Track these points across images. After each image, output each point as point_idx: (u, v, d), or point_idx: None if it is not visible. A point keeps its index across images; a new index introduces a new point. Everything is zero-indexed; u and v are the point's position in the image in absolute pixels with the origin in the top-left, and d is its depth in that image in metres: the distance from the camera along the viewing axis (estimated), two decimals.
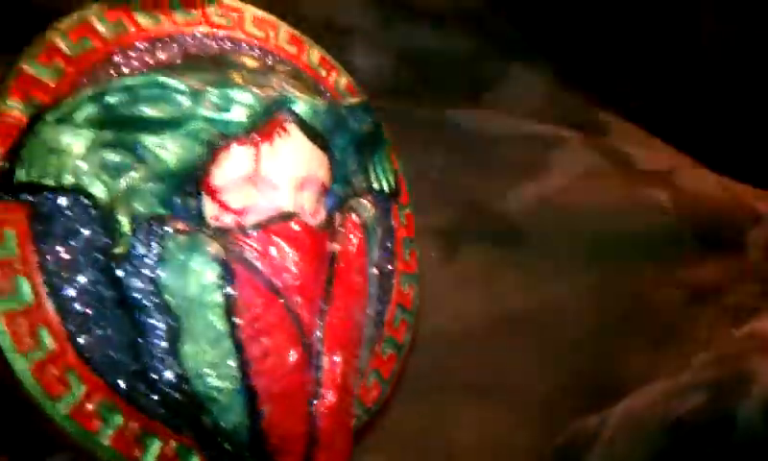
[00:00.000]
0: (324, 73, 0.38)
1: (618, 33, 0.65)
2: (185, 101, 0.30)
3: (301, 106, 0.32)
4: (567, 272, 0.51)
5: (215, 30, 0.35)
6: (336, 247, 0.34)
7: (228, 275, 0.30)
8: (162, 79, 0.30)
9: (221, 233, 0.30)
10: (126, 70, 0.31)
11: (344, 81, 0.38)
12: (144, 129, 0.29)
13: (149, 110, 0.29)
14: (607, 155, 0.55)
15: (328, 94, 0.37)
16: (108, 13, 0.32)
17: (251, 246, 0.31)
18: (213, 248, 0.30)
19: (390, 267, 0.37)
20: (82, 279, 0.29)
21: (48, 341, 0.28)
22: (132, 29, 0.32)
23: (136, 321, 0.29)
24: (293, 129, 0.32)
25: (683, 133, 0.59)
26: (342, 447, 0.32)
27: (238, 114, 0.31)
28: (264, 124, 0.31)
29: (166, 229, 0.29)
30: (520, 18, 0.65)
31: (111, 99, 0.29)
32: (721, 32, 0.66)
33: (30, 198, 0.28)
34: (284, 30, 0.37)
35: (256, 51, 0.36)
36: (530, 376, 0.47)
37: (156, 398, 0.29)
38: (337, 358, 0.32)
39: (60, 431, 0.28)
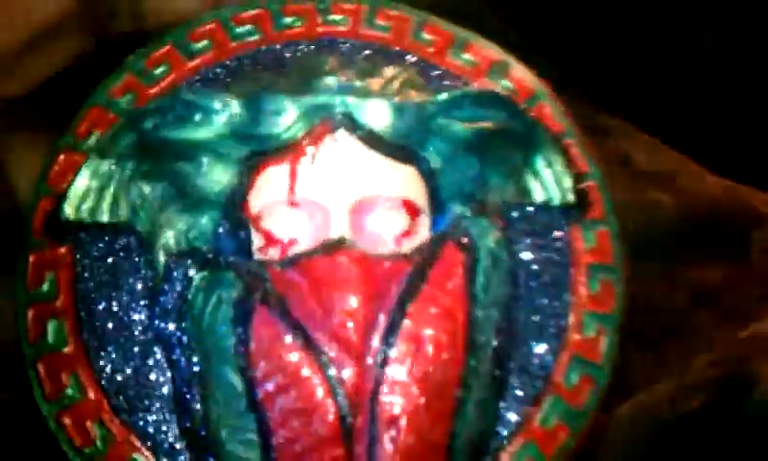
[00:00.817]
0: (464, 63, 0.31)
1: (619, 36, 0.66)
2: (214, 120, 0.27)
3: (361, 110, 0.27)
4: None
5: (329, 30, 0.31)
6: (406, 284, 0.26)
7: (243, 320, 0.26)
8: (189, 97, 0.28)
9: (262, 269, 0.27)
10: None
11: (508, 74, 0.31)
12: (179, 155, 0.27)
13: (179, 133, 0.27)
14: (609, 156, 0.55)
15: (458, 85, 0.30)
16: (199, 33, 0.30)
17: (282, 283, 0.26)
18: (235, 286, 0.26)
19: (557, 304, 0.28)
20: (122, 318, 0.27)
21: (74, 389, 0.27)
22: (224, 45, 0.30)
23: (170, 369, 0.27)
24: (343, 138, 0.27)
25: (684, 136, 0.59)
26: None
27: (272, 129, 0.27)
28: (303, 137, 0.27)
29: (192, 265, 0.27)
30: (520, 19, 0.65)
31: (146, 124, 0.27)
32: (719, 37, 0.67)
33: (74, 238, 0.28)
34: (421, 23, 0.32)
35: (359, 50, 0.31)
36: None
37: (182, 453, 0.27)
38: (395, 429, 0.25)
39: None
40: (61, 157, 0.29)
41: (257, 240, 0.27)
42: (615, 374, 0.50)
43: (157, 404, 0.27)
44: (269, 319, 0.26)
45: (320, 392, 0.25)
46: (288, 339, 0.25)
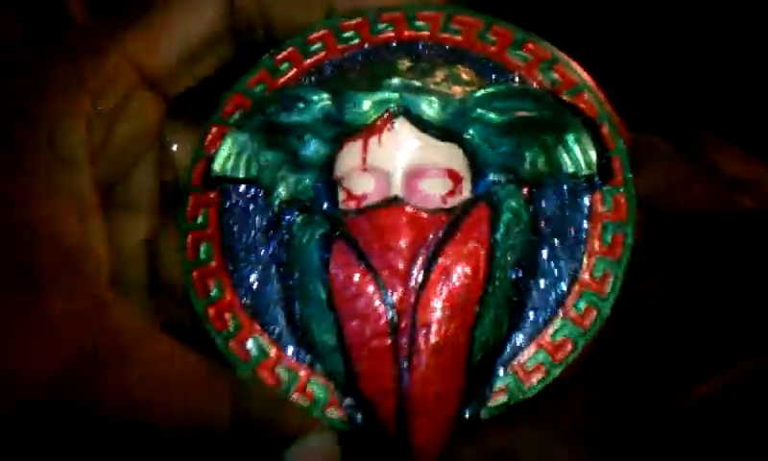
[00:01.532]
0: (529, 60, 0.38)
1: (700, 58, 0.67)
2: (312, 108, 0.37)
3: (417, 103, 0.36)
4: (653, 274, 0.53)
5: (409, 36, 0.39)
6: (443, 231, 0.36)
7: (327, 248, 0.36)
8: (300, 92, 0.37)
9: (342, 215, 0.37)
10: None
11: (554, 66, 0.38)
12: (290, 132, 0.37)
13: (289, 118, 0.37)
14: (694, 162, 0.56)
15: (512, 81, 0.38)
16: (314, 38, 0.39)
17: (355, 226, 0.36)
18: (322, 226, 0.37)
19: (573, 250, 0.37)
20: (250, 243, 0.38)
21: (217, 291, 0.38)
22: (332, 47, 0.39)
23: (280, 279, 0.38)
24: (402, 123, 0.36)
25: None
26: (440, 416, 0.35)
27: (352, 116, 0.36)
28: (374, 122, 0.37)
29: (296, 210, 0.37)
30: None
31: (269, 109, 0.38)
32: None
33: (221, 186, 0.39)
34: (488, 26, 0.39)
35: (427, 51, 0.39)
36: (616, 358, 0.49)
37: (292, 340, 0.38)
38: (428, 330, 0.35)
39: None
40: (213, 129, 0.39)
41: (342, 195, 0.37)
42: (691, 357, 0.51)
43: (272, 304, 0.38)
44: (344, 249, 0.36)
45: (376, 301, 0.35)
46: (355, 264, 0.36)
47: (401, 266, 0.35)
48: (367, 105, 0.37)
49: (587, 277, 0.36)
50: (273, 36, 0.40)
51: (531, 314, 0.36)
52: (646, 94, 0.64)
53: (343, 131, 0.37)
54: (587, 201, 0.37)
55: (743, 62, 0.70)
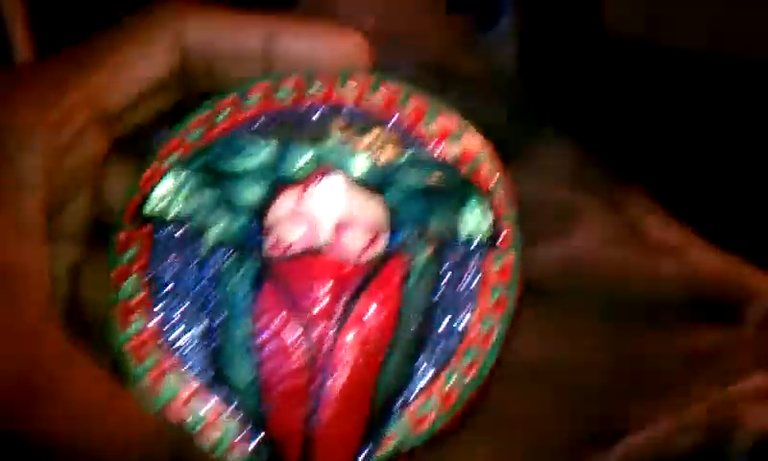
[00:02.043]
0: (433, 133, 0.41)
1: (638, 117, 0.71)
2: (255, 156, 0.39)
3: (350, 161, 0.40)
4: (580, 328, 0.57)
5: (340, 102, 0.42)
6: (362, 280, 0.39)
7: (257, 288, 0.38)
8: (240, 139, 0.40)
9: (270, 259, 0.39)
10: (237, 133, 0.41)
11: (457, 140, 0.41)
12: (229, 176, 0.39)
13: (231, 163, 0.39)
14: (624, 226, 0.60)
15: (424, 152, 0.41)
16: (253, 90, 0.41)
17: (284, 269, 0.38)
18: (253, 268, 0.38)
19: (465, 308, 0.39)
20: (178, 281, 0.39)
21: (138, 324, 0.38)
22: (270, 101, 0.41)
23: (204, 317, 0.39)
24: (335, 178, 0.39)
25: (692, 213, 0.64)
26: (341, 459, 0.37)
27: (291, 166, 0.39)
28: (310, 175, 0.39)
29: (228, 251, 0.39)
30: (546, 96, 0.71)
31: (210, 153, 0.39)
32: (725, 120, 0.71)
33: (151, 226, 0.39)
34: (407, 96, 0.42)
35: (357, 115, 0.42)
36: (540, 420, 0.52)
37: (209, 377, 0.38)
38: (340, 373, 0.37)
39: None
40: (150, 169, 0.40)
41: (270, 240, 0.39)
42: (612, 420, 0.54)
43: (193, 342, 0.38)
44: (272, 290, 0.38)
45: (297, 341, 0.37)
46: (282, 305, 0.38)
47: (323, 310, 0.38)
48: (305, 158, 0.39)
49: (474, 333, 0.39)
50: (214, 88, 0.41)
51: (424, 365, 0.39)
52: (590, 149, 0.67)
53: (280, 179, 0.40)
54: (479, 264, 0.40)
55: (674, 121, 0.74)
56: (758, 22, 0.70)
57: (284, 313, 0.38)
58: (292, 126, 0.41)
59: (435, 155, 0.40)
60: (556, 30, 0.81)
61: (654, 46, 0.74)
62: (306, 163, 0.39)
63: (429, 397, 0.38)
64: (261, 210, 0.39)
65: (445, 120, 0.41)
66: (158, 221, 0.39)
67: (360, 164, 0.40)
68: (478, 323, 0.39)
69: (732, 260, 0.59)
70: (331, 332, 0.37)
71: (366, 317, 0.38)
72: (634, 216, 0.62)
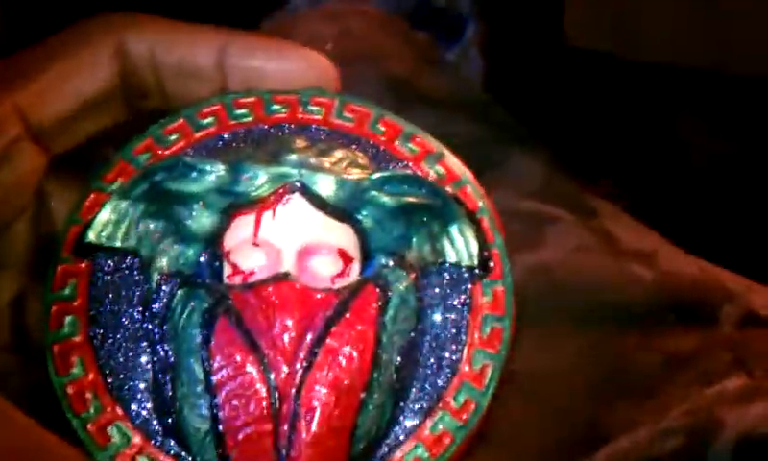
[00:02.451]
0: (408, 150, 0.38)
1: (608, 127, 0.72)
2: (206, 178, 0.35)
3: (313, 181, 0.35)
4: (558, 336, 0.57)
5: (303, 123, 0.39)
6: (332, 312, 0.34)
7: (209, 324, 0.33)
8: (189, 160, 0.35)
9: (227, 290, 0.34)
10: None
11: (439, 160, 0.38)
12: (177, 201, 0.35)
13: (179, 187, 0.35)
14: (596, 234, 0.60)
15: (400, 168, 0.38)
16: (206, 112, 0.38)
17: (241, 301, 0.33)
18: (206, 301, 0.34)
19: (454, 343, 0.35)
20: (121, 319, 0.35)
21: (79, 368, 0.34)
22: (224, 122, 0.38)
23: (152, 360, 0.35)
24: (297, 200, 0.35)
25: (663, 219, 0.64)
26: None
27: (246, 188, 0.35)
28: (268, 196, 0.35)
29: (177, 283, 0.35)
30: (521, 110, 0.71)
31: (156, 177, 0.35)
32: (701, 138, 0.73)
33: (93, 256, 0.35)
34: (378, 117, 0.39)
35: (321, 136, 0.38)
36: (526, 427, 0.52)
37: (158, 428, 0.34)
38: (311, 416, 0.32)
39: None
40: (92, 195, 0.36)
41: (227, 269, 0.35)
42: (596, 426, 0.55)
43: (140, 386, 0.34)
44: (227, 326, 0.33)
45: (258, 383, 0.32)
46: (239, 342, 0.33)
47: (288, 346, 0.33)
48: (263, 178, 0.35)
49: (466, 368, 0.35)
50: (166, 107, 0.38)
51: (410, 405, 0.34)
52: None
53: (234, 203, 0.35)
54: (468, 292, 0.36)
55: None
56: (717, 34, 0.72)
57: (242, 351, 0.33)
58: (249, 145, 0.38)
59: (412, 172, 0.37)
60: (518, 43, 0.81)
61: (613, 57, 0.75)
62: (264, 184, 0.35)
63: (416, 445, 0.34)
64: (214, 238, 0.35)
65: (422, 141, 0.38)
66: (100, 253, 0.35)
67: (325, 184, 0.35)
68: (469, 359, 0.35)
69: (704, 264, 0.59)
70: (298, 373, 0.33)
71: (337, 356, 0.33)
72: (605, 224, 0.62)
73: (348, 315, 0.33)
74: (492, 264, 0.35)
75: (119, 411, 0.34)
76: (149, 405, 0.34)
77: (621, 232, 0.62)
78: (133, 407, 0.34)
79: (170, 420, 0.33)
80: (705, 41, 0.72)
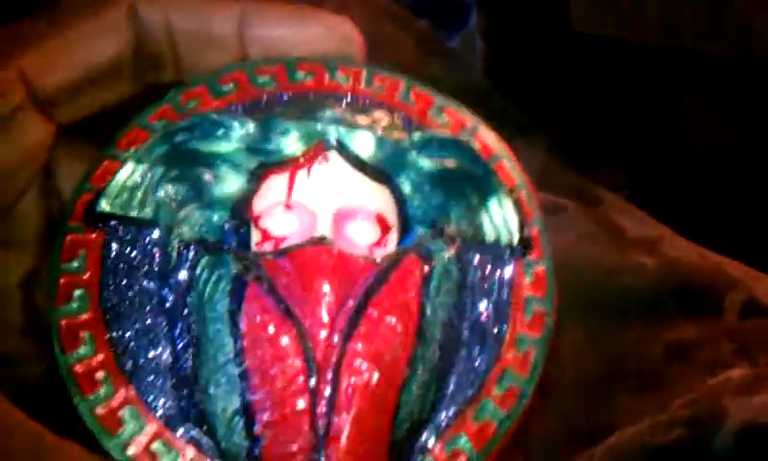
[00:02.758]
0: (441, 122, 0.35)
1: (611, 116, 0.71)
2: (233, 136, 0.32)
3: (351, 138, 0.32)
4: (561, 326, 0.56)
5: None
6: (372, 281, 0.31)
7: (239, 291, 0.30)
8: (215, 116, 0.32)
9: (255, 258, 0.31)
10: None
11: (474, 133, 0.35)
12: (201, 163, 0.32)
13: (204, 145, 0.32)
14: (599, 223, 0.60)
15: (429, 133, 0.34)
16: (226, 79, 0.35)
17: (274, 267, 0.31)
18: (235, 267, 0.31)
19: (496, 325, 0.33)
20: (136, 294, 0.32)
21: (88, 347, 0.31)
22: (246, 90, 0.35)
23: (171, 336, 0.31)
24: (334, 158, 0.32)
25: (666, 208, 0.64)
26: None
27: (278, 146, 0.32)
28: (303, 154, 0.32)
29: (200, 251, 0.32)
30: (522, 99, 0.71)
31: (177, 138, 0.32)
32: (701, 120, 0.72)
33: (106, 226, 0.32)
34: (409, 87, 0.36)
35: (355, 99, 0.35)
36: (528, 418, 0.52)
37: (174, 410, 0.31)
38: (352, 393, 0.30)
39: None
40: (104, 163, 0.33)
41: (256, 236, 0.32)
42: (599, 416, 0.54)
43: (157, 367, 0.31)
44: (258, 293, 0.30)
45: (294, 355, 0.29)
46: (272, 310, 0.30)
47: (326, 315, 0.30)
48: (296, 135, 0.32)
49: (509, 355, 0.32)
50: (181, 78, 0.36)
51: (452, 389, 0.32)
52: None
53: (265, 162, 0.32)
54: (508, 272, 0.33)
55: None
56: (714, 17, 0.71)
57: (276, 321, 0.30)
58: (276, 107, 0.34)
59: (446, 137, 0.34)
60: (522, 30, 0.81)
61: (619, 42, 0.74)
62: (297, 141, 0.32)
63: (458, 434, 0.31)
64: (242, 202, 0.32)
65: (455, 113, 0.35)
66: (113, 223, 0.32)
67: (364, 142, 0.32)
68: (513, 343, 0.32)
69: (707, 252, 0.59)
70: (337, 345, 0.30)
71: (379, 327, 0.30)
72: (609, 213, 0.62)
73: (389, 284, 0.31)
74: (532, 243, 0.34)
75: (132, 393, 0.30)
76: (167, 385, 0.31)
77: (626, 222, 0.62)
78: (149, 388, 0.31)
79: (191, 401, 0.30)
80: (711, 25, 0.72)
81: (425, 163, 0.33)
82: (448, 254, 0.32)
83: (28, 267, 0.36)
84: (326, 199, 0.32)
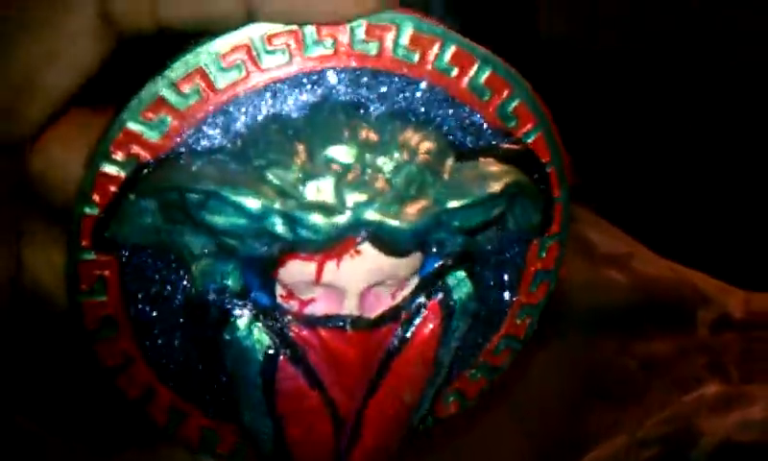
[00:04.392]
0: (487, 96, 0.32)
1: (578, 126, 0.72)
2: (251, 218, 0.29)
3: (383, 228, 0.29)
4: (534, 344, 0.57)
5: (352, 63, 0.31)
6: (395, 342, 0.32)
7: (272, 361, 0.31)
8: (232, 197, 0.29)
9: (282, 315, 0.31)
10: (216, 132, 0.30)
11: (514, 103, 0.33)
12: (216, 233, 0.30)
13: (219, 221, 0.29)
14: (572, 239, 0.61)
15: (484, 126, 0.32)
16: (224, 58, 0.30)
17: (303, 340, 0.31)
18: (267, 334, 0.30)
19: (505, 300, 0.35)
20: (159, 320, 0.32)
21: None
22: (249, 72, 0.30)
23: (205, 372, 0.32)
24: (366, 249, 0.30)
25: (639, 224, 0.65)
26: None
27: (302, 234, 0.29)
28: (332, 245, 0.30)
29: (227, 298, 0.31)
30: None
31: (191, 198, 0.29)
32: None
33: (117, 252, 0.30)
34: (448, 45, 0.31)
35: (391, 101, 0.31)
36: (505, 435, 0.52)
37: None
38: (370, 444, 0.33)
39: None
40: (102, 170, 0.30)
41: (281, 290, 0.31)
42: (574, 433, 0.55)
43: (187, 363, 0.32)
44: (290, 363, 0.31)
45: (322, 416, 0.32)
46: (302, 381, 0.31)
47: (351, 384, 0.32)
48: (326, 230, 0.29)
49: (509, 323, 0.35)
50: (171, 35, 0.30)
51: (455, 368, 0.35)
52: None
53: (287, 248, 0.30)
54: (524, 249, 0.34)
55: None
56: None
57: (308, 390, 0.31)
58: (290, 129, 0.30)
59: (489, 193, 0.30)
60: (492, 34, 0.81)
61: (586, 48, 0.75)
62: (322, 230, 0.29)
63: (457, 387, 0.36)
64: (265, 262, 0.30)
65: (496, 77, 0.32)
66: (124, 247, 0.31)
67: (403, 219, 0.29)
68: (513, 315, 0.35)
69: (679, 267, 0.60)
70: (360, 399, 0.32)
71: (400, 381, 0.32)
72: (579, 228, 0.62)
73: (409, 345, 0.32)
74: (551, 221, 0.33)
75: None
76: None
77: (597, 238, 0.62)
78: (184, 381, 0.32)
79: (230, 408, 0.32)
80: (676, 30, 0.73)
81: (460, 224, 0.31)
82: (466, 288, 0.32)
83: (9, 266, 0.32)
84: (356, 280, 0.30)
